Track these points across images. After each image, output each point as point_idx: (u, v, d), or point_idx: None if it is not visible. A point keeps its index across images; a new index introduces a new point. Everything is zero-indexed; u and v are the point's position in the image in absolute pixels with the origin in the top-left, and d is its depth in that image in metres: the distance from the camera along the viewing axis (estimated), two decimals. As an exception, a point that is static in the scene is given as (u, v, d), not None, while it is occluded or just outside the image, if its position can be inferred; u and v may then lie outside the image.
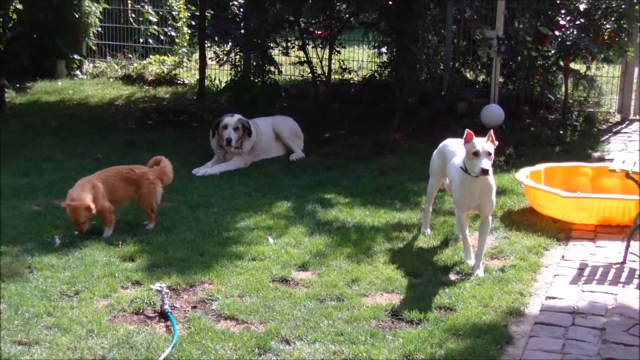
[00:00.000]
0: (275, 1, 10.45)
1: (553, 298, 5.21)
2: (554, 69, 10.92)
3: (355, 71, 12.98)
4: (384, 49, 11.96)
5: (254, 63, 10.59)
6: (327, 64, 10.92)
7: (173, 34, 14.28)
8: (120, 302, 5.00)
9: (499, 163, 8.26)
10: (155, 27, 14.26)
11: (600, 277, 5.57)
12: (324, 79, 11.09)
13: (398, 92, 10.13)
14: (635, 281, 5.52)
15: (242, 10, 11.08)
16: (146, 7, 14.19)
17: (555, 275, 5.61)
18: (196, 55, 13.37)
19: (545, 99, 11.00)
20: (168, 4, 14.18)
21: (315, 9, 11.50)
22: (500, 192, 7.35)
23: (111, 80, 13.72)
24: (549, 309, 5.05)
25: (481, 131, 5.61)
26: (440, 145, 6.31)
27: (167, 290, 5.06)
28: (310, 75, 11.17)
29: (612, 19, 10.22)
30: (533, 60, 10.76)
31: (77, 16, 13.52)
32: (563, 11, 10.32)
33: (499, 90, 10.57)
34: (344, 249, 6.02)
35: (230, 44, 10.95)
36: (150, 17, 14.22)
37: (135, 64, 13.98)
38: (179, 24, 14.15)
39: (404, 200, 7.37)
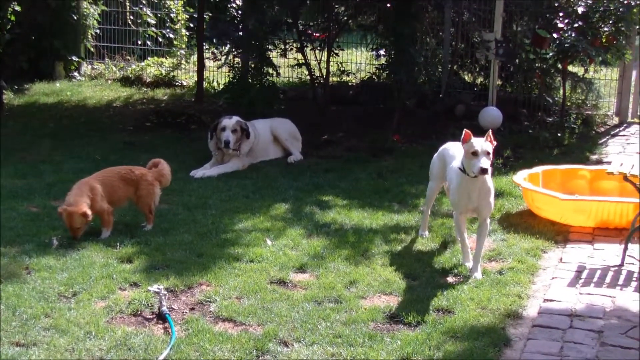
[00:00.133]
0: (273, 3, 10.45)
1: (551, 300, 5.21)
2: (552, 71, 10.92)
3: (354, 73, 12.99)
4: (382, 52, 11.95)
5: (252, 65, 10.59)
6: (325, 66, 10.93)
7: (171, 36, 14.28)
8: (118, 304, 4.99)
9: (497, 165, 8.26)
10: (153, 29, 14.26)
11: (598, 280, 5.57)
12: (322, 81, 11.10)
13: (396, 94, 10.13)
14: (633, 284, 5.52)
15: (240, 12, 11.09)
16: (144, 9, 14.18)
17: (553, 278, 5.62)
18: (194, 57, 13.38)
19: (543, 102, 11.01)
20: (166, 6, 14.19)
21: (314, 11, 11.50)
22: (499, 194, 7.35)
23: (109, 82, 13.71)
24: (547, 311, 5.05)
25: (479, 133, 5.61)
26: (441, 149, 6.30)
27: (165, 292, 5.06)
28: (308, 77, 11.18)
29: (610, 22, 10.24)
30: (531, 63, 10.78)
31: (75, 18, 13.52)
32: (561, 14, 10.34)
33: (497, 93, 10.59)
34: (341, 251, 6.02)
35: (228, 45, 10.95)
36: (149, 19, 14.22)
37: (134, 66, 13.98)
38: (177, 26, 14.15)
39: (402, 202, 7.37)
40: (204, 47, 12.25)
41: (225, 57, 11.11)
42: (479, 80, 11.92)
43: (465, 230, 5.88)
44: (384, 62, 11.88)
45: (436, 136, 9.56)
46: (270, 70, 10.60)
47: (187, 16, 14.11)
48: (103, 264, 5.63)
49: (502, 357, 4.48)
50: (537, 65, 10.80)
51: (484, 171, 5.43)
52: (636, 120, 11.33)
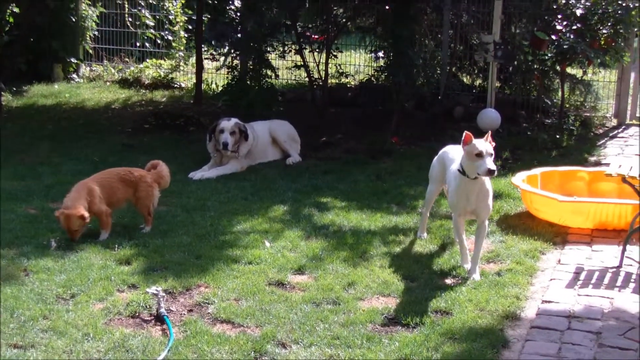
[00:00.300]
0: (272, 5, 10.46)
1: (549, 302, 5.21)
2: (551, 73, 10.93)
3: (352, 75, 12.98)
4: (380, 54, 11.95)
5: (251, 67, 10.59)
6: (324, 68, 10.93)
7: (170, 37, 14.28)
8: (116, 306, 4.99)
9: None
10: (152, 31, 14.26)
11: (597, 281, 5.58)
12: (320, 83, 11.10)
13: (395, 96, 10.13)
14: (632, 285, 5.52)
15: (239, 14, 11.09)
16: (143, 11, 14.19)
17: (551, 279, 5.62)
18: (193, 59, 13.37)
19: (541, 104, 11.01)
20: (165, 8, 14.19)
21: (312, 13, 11.51)
22: (497, 196, 7.35)
23: (108, 83, 13.71)
24: (545, 312, 5.05)
25: (478, 135, 5.61)
26: (440, 152, 6.30)
27: (163, 294, 5.06)
28: (307, 79, 11.17)
29: (609, 24, 10.24)
30: (529, 65, 10.77)
31: (74, 20, 13.53)
32: (560, 16, 10.34)
33: (496, 95, 10.59)
34: (340, 253, 6.01)
35: (227, 47, 10.95)
36: (147, 21, 14.22)
37: (132, 68, 13.98)
38: (176, 28, 14.16)
39: (401, 204, 7.37)
40: (203, 49, 12.26)
41: (224, 58, 11.11)
42: (478, 82, 11.93)
43: (463, 232, 5.88)
44: (382, 64, 11.87)
45: (435, 138, 9.56)
46: (269, 72, 10.61)
47: (186, 18, 14.12)
48: (101, 265, 5.63)
49: (500, 359, 4.48)
50: (535, 67, 10.80)
51: (491, 172, 5.39)
52: (634, 122, 11.35)
